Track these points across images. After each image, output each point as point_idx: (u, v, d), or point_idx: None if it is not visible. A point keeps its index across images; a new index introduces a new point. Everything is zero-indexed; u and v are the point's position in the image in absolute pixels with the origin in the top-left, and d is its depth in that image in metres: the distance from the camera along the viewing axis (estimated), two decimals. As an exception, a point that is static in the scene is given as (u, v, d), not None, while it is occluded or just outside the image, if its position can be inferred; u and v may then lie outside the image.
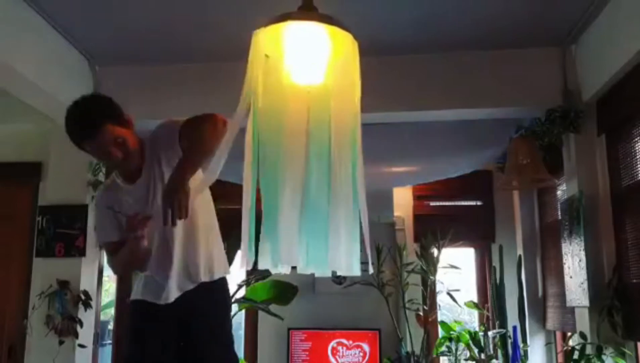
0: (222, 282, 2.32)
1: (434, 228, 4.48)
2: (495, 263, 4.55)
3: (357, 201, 1.21)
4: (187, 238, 2.18)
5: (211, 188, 2.14)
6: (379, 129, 4.01)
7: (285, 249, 1.19)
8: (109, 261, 2.35)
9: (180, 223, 1.94)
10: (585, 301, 3.36)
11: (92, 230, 3.83)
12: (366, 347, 4.52)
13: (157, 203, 2.07)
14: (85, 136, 1.99)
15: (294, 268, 1.26)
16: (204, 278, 2.21)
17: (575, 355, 3.30)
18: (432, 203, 5.07)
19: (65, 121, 2.02)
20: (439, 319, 4.67)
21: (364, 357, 4.50)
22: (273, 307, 4.23)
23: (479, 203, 5.08)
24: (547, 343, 4.38)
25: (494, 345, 4.29)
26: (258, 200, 1.28)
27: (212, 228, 2.27)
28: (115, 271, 2.44)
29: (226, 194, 2.41)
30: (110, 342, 4.94)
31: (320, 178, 1.19)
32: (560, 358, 4.19)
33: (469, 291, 4.95)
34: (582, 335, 3.36)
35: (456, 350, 4.25)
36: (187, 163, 1.97)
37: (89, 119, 1.99)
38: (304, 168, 1.19)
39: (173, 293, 2.18)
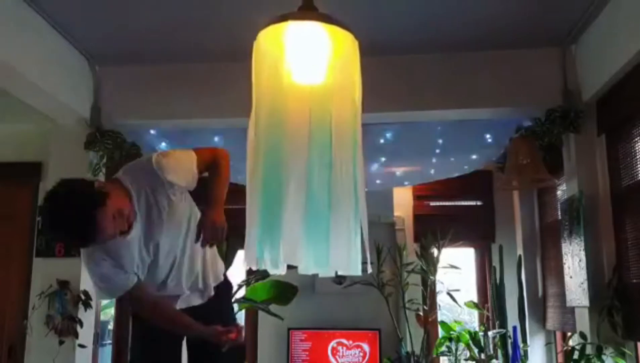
0: (222, 283, 2.39)
1: (434, 228, 4.48)
2: (495, 263, 4.55)
3: (357, 200, 1.21)
4: (195, 258, 2.22)
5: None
6: (378, 129, 4.02)
7: (288, 249, 1.19)
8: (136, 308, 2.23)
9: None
10: (585, 301, 3.36)
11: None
12: (366, 347, 4.52)
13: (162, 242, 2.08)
14: (88, 242, 1.90)
15: (293, 267, 1.26)
16: (211, 291, 2.29)
17: (575, 355, 3.30)
18: (432, 203, 5.07)
19: (51, 226, 1.84)
20: (439, 319, 4.67)
21: (364, 357, 4.50)
22: (273, 307, 4.23)
23: (479, 203, 5.08)
24: (547, 343, 4.38)
25: (494, 345, 4.29)
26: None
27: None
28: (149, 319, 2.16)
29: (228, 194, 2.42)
30: (110, 342, 4.93)
31: (322, 178, 1.19)
32: (560, 358, 4.20)
33: (469, 291, 4.95)
34: (582, 335, 3.36)
35: (456, 350, 4.25)
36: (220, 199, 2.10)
37: (81, 233, 1.81)
38: (305, 168, 1.19)
39: (182, 306, 2.23)
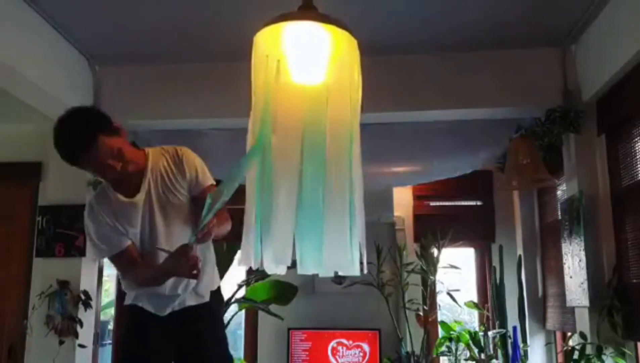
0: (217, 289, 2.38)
1: (434, 228, 4.48)
2: (495, 263, 4.55)
3: (353, 200, 1.21)
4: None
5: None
6: (378, 129, 4.01)
7: (280, 249, 1.19)
8: (123, 274, 2.21)
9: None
10: (585, 301, 3.36)
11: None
12: (366, 347, 4.52)
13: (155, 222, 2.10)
14: (79, 155, 1.97)
15: (291, 267, 1.26)
16: (207, 297, 2.27)
17: (575, 355, 3.30)
18: (432, 203, 5.08)
19: (55, 141, 2.00)
20: (439, 319, 4.67)
21: (364, 357, 4.50)
22: (273, 307, 4.23)
23: (479, 203, 5.08)
24: (547, 343, 4.38)
25: (494, 345, 4.29)
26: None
27: (208, 245, 2.27)
28: (136, 284, 2.17)
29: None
30: (110, 342, 4.94)
31: (316, 178, 1.18)
32: (560, 358, 4.19)
33: (469, 291, 4.95)
34: (582, 335, 3.36)
35: (456, 350, 4.25)
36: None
37: (81, 136, 1.95)
38: (299, 168, 1.19)
39: (175, 307, 2.23)
